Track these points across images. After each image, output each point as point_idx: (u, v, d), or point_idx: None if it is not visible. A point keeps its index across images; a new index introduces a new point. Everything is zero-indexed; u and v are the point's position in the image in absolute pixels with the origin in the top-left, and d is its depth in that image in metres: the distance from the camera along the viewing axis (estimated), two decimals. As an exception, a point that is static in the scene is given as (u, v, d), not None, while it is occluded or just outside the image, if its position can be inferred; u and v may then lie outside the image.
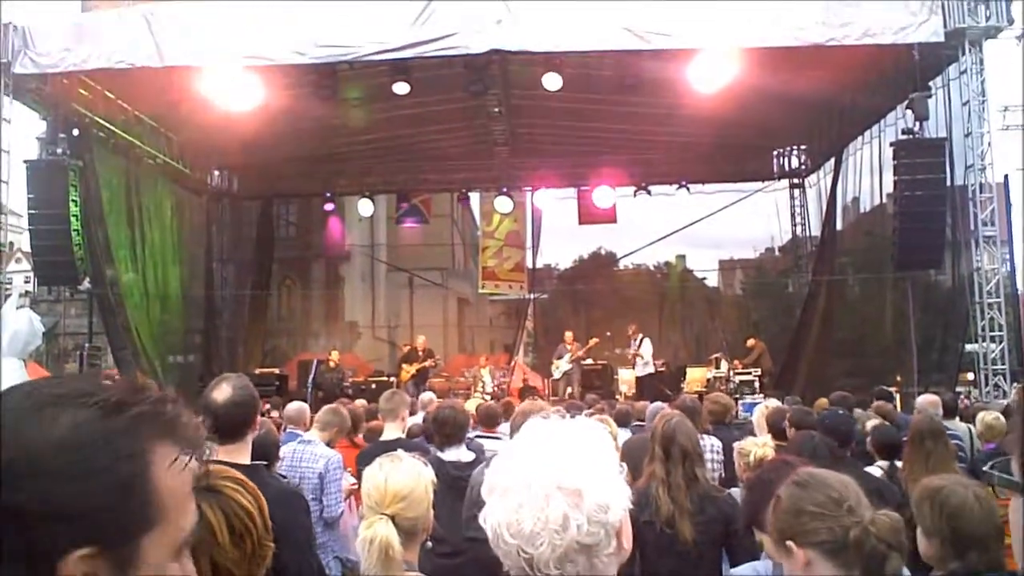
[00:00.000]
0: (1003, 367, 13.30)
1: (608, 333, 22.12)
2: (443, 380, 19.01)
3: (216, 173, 21.16)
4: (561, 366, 18.53)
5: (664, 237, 24.38)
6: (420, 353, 18.67)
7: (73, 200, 14.21)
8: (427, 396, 10.17)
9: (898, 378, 15.35)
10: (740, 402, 13.68)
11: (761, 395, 15.32)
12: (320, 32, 12.97)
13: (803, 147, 21.13)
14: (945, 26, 12.83)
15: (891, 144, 14.41)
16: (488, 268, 23.47)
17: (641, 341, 18.37)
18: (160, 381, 16.34)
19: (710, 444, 6.57)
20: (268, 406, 10.02)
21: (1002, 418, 7.06)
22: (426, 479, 2.88)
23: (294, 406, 7.23)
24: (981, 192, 13.50)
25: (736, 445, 5.31)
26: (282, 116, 15.95)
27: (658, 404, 9.24)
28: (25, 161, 14.38)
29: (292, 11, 12.99)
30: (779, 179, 21.70)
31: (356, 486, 6.03)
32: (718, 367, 18.49)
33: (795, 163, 21.49)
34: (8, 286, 15.29)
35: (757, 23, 12.62)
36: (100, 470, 0.94)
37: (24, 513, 0.90)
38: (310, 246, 26.35)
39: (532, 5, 12.73)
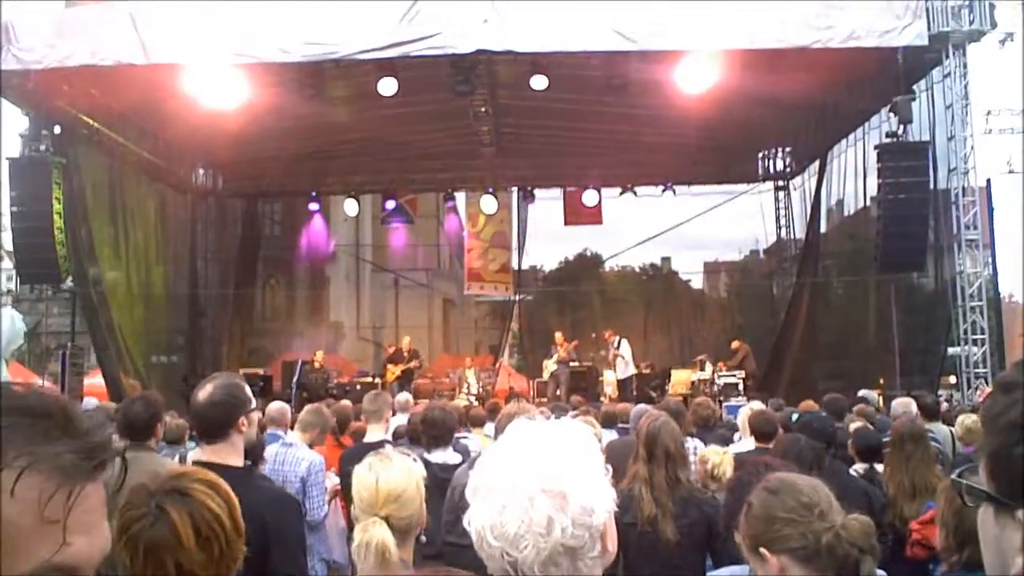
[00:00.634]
0: (985, 370, 13.40)
1: (593, 335, 22.16)
2: (428, 381, 18.96)
3: (201, 171, 21.06)
4: (550, 367, 18.54)
5: (649, 239, 24.45)
6: (405, 354, 18.64)
7: (56, 198, 14.11)
8: (403, 397, 10.07)
9: (881, 380, 15.42)
10: (724, 404, 13.71)
11: (745, 397, 15.35)
12: (306, 30, 12.93)
13: (788, 149, 21.19)
14: (929, 29, 12.91)
15: (875, 147, 14.49)
16: (474, 269, 23.44)
17: (619, 343, 18.41)
18: (144, 381, 16.28)
19: (694, 447, 6.59)
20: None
21: (981, 421, 7.08)
22: (417, 476, 2.87)
23: (275, 406, 7.16)
24: (964, 196, 13.59)
25: (699, 452, 5.36)
26: (267, 114, 15.88)
27: (643, 406, 9.26)
28: (7, 158, 14.29)
29: (278, 9, 12.94)
30: (764, 181, 21.78)
31: (339, 487, 6.02)
32: (703, 369, 18.51)
33: (780, 165, 21.56)
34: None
35: (743, 25, 12.66)
36: None
37: None
38: (295, 245, 26.29)
39: (519, 5, 12.73)
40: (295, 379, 16.56)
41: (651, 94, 15.36)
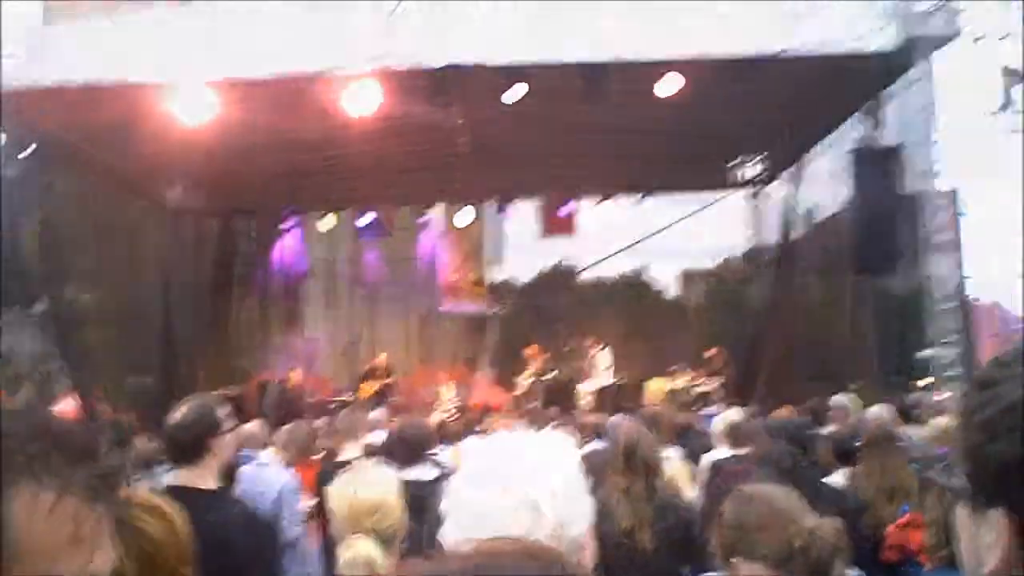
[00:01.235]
0: (956, 372, 13.50)
1: (567, 348, 22.13)
2: (403, 397, 18.88)
3: (177, 189, 20.90)
4: (524, 380, 18.52)
5: (624, 248, 24.47)
6: (380, 371, 18.56)
7: (29, 217, 13.97)
8: (377, 414, 9.97)
9: (856, 385, 15.49)
10: (700, 412, 13.74)
11: (721, 405, 15.39)
12: (281, 47, 12.91)
13: (762, 156, 21.29)
14: (900, 34, 13.04)
15: (847, 152, 14.62)
16: (449, 283, 23.41)
17: (600, 351, 18.43)
18: (117, 403, 16.10)
19: (672, 455, 6.60)
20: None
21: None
22: (395, 484, 2.87)
23: (249, 427, 7.12)
24: (934, 199, 13.71)
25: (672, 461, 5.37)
26: (243, 131, 15.76)
27: (619, 416, 9.28)
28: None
29: (253, 26, 12.96)
30: (739, 188, 21.88)
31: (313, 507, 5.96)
32: (678, 378, 18.55)
33: (754, 172, 21.66)
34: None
35: (714, 32, 12.76)
36: None
37: None
38: (270, 262, 26.09)
39: (493, 16, 12.77)
40: (270, 399, 16.44)
41: (624, 103, 15.39)
